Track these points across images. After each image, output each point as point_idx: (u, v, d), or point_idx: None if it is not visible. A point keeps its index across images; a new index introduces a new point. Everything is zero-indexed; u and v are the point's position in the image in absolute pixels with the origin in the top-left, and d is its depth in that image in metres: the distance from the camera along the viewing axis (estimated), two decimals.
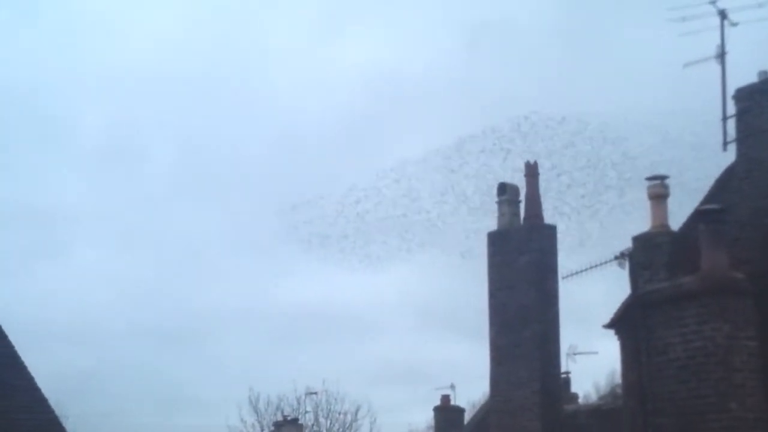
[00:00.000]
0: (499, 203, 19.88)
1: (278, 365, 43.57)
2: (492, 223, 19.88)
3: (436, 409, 28.86)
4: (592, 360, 23.85)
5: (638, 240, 15.42)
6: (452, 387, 28.80)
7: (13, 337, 19.05)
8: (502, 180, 20.05)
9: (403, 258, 24.06)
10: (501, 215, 19.81)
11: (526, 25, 38.88)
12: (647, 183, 15.58)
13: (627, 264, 15.59)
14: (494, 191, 19.89)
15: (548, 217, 19.49)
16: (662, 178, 15.57)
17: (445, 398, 28.76)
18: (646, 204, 15.54)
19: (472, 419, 27.15)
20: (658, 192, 15.45)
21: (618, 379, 19.82)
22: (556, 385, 19.27)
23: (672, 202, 15.50)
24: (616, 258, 15.85)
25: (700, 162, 18.60)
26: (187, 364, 46.04)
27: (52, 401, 19.36)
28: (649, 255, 15.11)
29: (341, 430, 41.93)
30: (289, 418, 35.70)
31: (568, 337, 19.87)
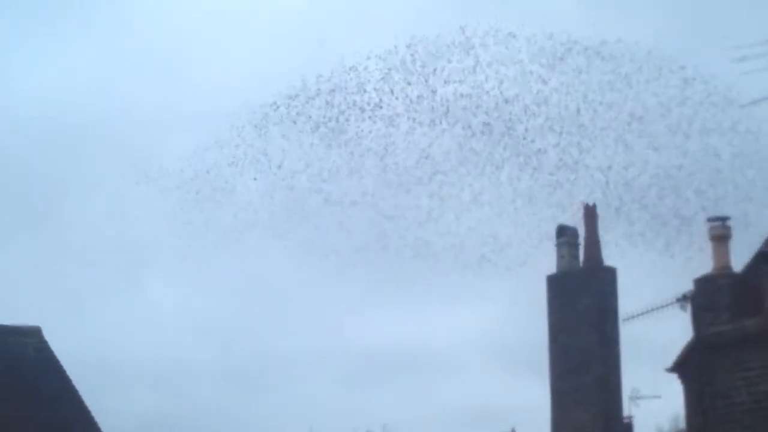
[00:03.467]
0: (558, 246, 19.74)
1: (342, 408, 43.31)
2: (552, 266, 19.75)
3: None
4: (655, 404, 23.41)
5: (700, 282, 15.24)
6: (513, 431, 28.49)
7: (82, 375, 19.18)
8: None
9: (475, 296, 23.81)
10: (560, 258, 19.67)
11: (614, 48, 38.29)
12: (709, 224, 15.42)
13: (689, 306, 15.40)
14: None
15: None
16: (724, 219, 15.41)
17: None
18: (708, 245, 15.38)
19: None
20: (720, 233, 15.29)
21: (682, 423, 19.46)
22: (619, 429, 18.99)
23: (734, 244, 15.33)
24: (678, 300, 15.69)
25: (762, 203, 18.38)
26: (256, 406, 45.91)
27: None
28: (711, 297, 14.92)
29: None
30: None
31: (630, 380, 19.57)
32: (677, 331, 15.80)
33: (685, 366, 15.43)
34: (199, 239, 25.18)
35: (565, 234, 19.70)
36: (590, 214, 19.43)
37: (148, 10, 43.14)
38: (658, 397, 23.17)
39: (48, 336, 19.52)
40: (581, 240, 19.52)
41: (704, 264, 15.51)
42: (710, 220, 15.48)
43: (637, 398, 22.20)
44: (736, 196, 19.84)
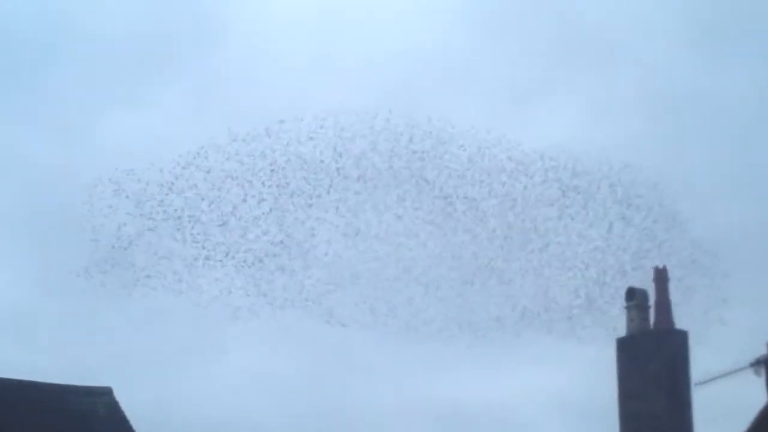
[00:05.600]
0: (628, 308, 19.56)
1: None
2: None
3: None
4: None
5: None
6: None
7: None
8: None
9: (559, 353, 23.55)
10: (630, 320, 19.47)
11: (722, 99, 37.74)
12: None
13: (763, 371, 15.16)
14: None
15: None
16: None
17: None
18: None
19: None
20: None
21: None
22: None
23: None
24: (752, 365, 15.44)
25: None
26: None
27: None
28: None
29: None
30: None
31: None
32: (751, 396, 15.53)
33: None
34: (280, 300, 25.34)
35: (634, 296, 19.54)
36: (661, 276, 19.29)
37: (235, 61, 43.48)
38: None
39: (127, 399, 19.88)
40: (651, 303, 19.37)
41: None
42: None
43: None
44: None
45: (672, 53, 38.45)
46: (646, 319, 19.36)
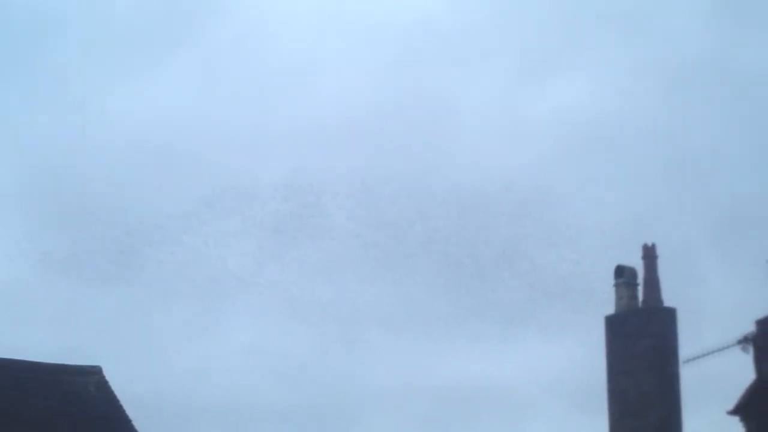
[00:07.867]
0: (617, 286, 19.59)
1: None
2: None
3: None
4: None
5: (762, 323, 15.08)
6: None
7: (158, 416, 19.52)
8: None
9: (564, 332, 23.69)
10: (619, 299, 19.52)
11: (738, 65, 37.24)
12: None
13: (751, 348, 15.24)
14: None
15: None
16: None
17: None
18: None
19: None
20: None
21: None
22: None
23: None
24: (740, 342, 15.52)
25: None
26: None
27: None
28: None
29: None
30: None
31: (691, 423, 19.32)
32: (739, 373, 15.60)
33: (746, 409, 15.23)
34: (293, 273, 25.26)
35: (623, 274, 19.57)
36: (649, 254, 19.32)
37: (242, 32, 42.83)
38: None
39: (122, 377, 20.01)
40: (640, 280, 19.40)
41: (766, 305, 15.35)
42: None
43: None
44: None
45: (691, 22, 38.06)
46: (635, 296, 19.41)
